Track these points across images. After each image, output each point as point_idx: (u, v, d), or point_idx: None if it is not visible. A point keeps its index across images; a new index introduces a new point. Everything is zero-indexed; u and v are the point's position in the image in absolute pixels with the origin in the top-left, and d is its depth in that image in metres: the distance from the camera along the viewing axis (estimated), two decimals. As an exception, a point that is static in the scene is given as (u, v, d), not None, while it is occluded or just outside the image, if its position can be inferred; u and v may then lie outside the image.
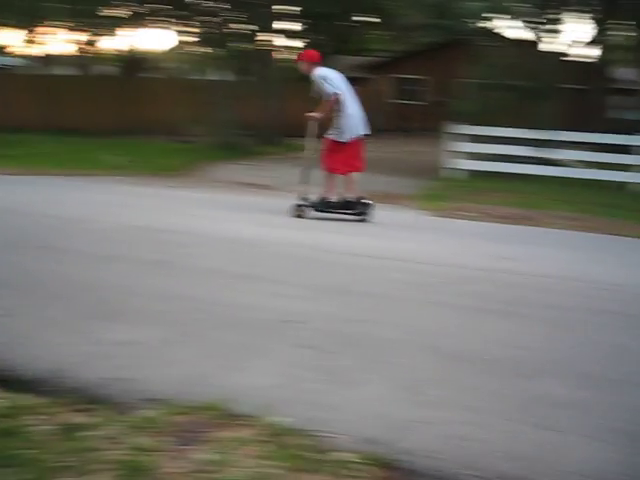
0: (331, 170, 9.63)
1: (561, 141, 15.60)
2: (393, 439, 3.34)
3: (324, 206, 9.63)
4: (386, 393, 3.86)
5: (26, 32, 29.46)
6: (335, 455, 3.19)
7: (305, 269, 6.62)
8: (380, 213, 9.98)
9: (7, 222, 8.53)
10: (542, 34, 18.76)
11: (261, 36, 21.90)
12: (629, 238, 10.09)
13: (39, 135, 20.21)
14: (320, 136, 9.55)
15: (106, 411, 3.57)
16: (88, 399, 3.69)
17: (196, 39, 25.19)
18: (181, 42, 29.21)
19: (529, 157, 15.49)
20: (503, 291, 6.30)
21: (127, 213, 9.30)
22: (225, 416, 3.52)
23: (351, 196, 9.68)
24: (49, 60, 30.41)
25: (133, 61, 31.27)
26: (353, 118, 9.46)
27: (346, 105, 9.37)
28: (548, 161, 15.53)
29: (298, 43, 27.55)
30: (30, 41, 29.38)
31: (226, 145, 17.65)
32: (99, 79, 26.35)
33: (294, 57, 26.22)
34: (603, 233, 10.27)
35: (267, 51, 21.82)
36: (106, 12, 26.33)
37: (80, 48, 27.92)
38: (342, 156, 9.47)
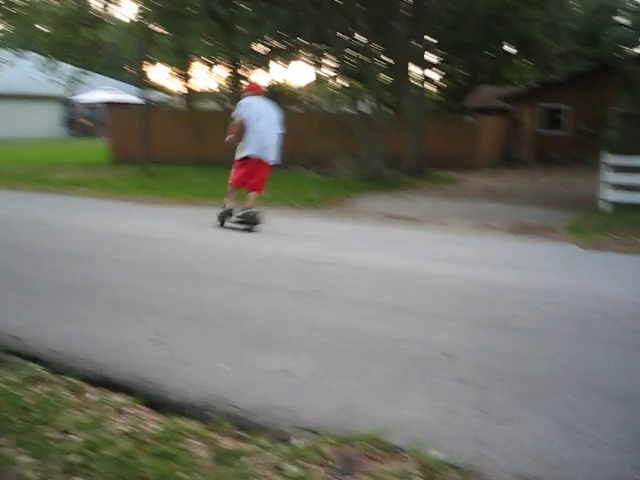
0: (232, 183, 10.77)
1: None
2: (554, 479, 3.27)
3: (225, 215, 10.77)
4: (542, 431, 3.75)
5: (175, 69, 30.82)
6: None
7: (457, 301, 6.55)
8: (531, 246, 9.86)
9: (154, 249, 8.97)
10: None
11: (402, 68, 22.04)
12: None
13: (186, 167, 21.03)
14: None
15: (262, 439, 3.66)
16: (244, 426, 3.79)
17: (337, 72, 25.62)
18: (322, 75, 29.79)
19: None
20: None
21: (275, 244, 9.50)
22: (380, 448, 3.53)
23: (243, 208, 10.56)
24: (196, 95, 31.60)
25: (273, 95, 32.10)
26: (260, 142, 10.40)
27: (253, 129, 10.35)
28: None
29: (438, 74, 27.62)
30: (179, 77, 30.71)
31: (370, 177, 17.75)
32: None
33: (435, 89, 26.22)
34: None
35: (409, 83, 21.90)
36: (251, 48, 27.25)
37: (227, 83, 28.89)
38: (241, 172, 10.59)
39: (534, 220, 12.41)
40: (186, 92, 31.10)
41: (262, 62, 28.99)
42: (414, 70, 22.39)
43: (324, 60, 27.92)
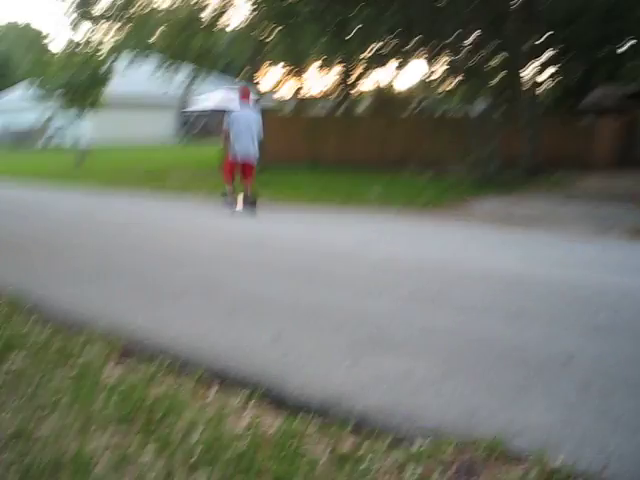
0: (224, 176, 13.80)
1: None
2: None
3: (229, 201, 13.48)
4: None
5: (290, 73, 31.18)
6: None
7: (577, 306, 6.35)
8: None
9: (272, 251, 9.10)
10: None
11: (516, 67, 21.62)
12: None
13: (299, 170, 21.21)
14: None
15: (382, 441, 3.65)
16: (364, 427, 3.79)
17: (450, 71, 25.34)
18: (436, 76, 29.53)
19: None
20: None
21: (389, 247, 9.47)
22: (502, 453, 3.48)
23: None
24: (308, 98, 31.90)
25: (388, 96, 32.02)
26: (242, 146, 13.23)
27: (237, 136, 13.18)
28: None
29: (553, 72, 26.91)
30: (292, 81, 31.07)
31: (485, 179, 17.47)
32: (356, 115, 27.24)
33: (551, 88, 25.57)
34: None
35: (523, 82, 21.48)
36: (363, 50, 27.28)
37: (339, 86, 29.06)
38: (230, 167, 13.61)
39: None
40: (299, 95, 31.41)
41: (374, 64, 28.96)
42: (529, 69, 21.94)
43: (437, 60, 27.68)
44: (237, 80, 47.12)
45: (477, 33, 20.31)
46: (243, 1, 24.30)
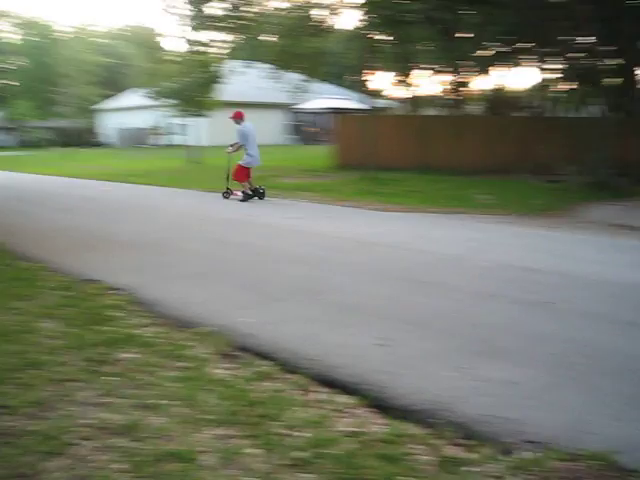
0: (240, 180, 15.85)
1: None
2: None
3: (247, 197, 15.83)
4: None
5: (398, 75, 31.10)
6: None
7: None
8: None
9: (380, 254, 9.07)
10: None
11: (631, 69, 20.93)
12: None
13: (408, 173, 21.11)
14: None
15: (485, 448, 3.61)
16: (467, 434, 3.77)
17: (562, 75, 24.74)
18: (547, 79, 28.89)
19: None
20: None
21: (499, 252, 9.31)
22: (610, 468, 3.37)
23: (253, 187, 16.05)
24: (418, 101, 31.73)
25: (499, 100, 31.55)
26: (252, 156, 15.74)
27: (249, 147, 15.67)
28: None
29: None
30: (402, 84, 30.97)
31: (598, 185, 16.94)
32: (465, 119, 26.92)
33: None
34: None
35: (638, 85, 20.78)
36: (472, 53, 26.95)
37: (449, 89, 28.82)
38: (244, 173, 15.82)
39: None
40: (409, 98, 31.30)
41: (484, 67, 28.58)
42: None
43: (548, 63, 27.07)
44: (348, 82, 47.37)
45: (590, 34, 19.73)
46: (354, 5, 24.27)
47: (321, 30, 25.32)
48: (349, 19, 52.84)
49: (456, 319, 5.94)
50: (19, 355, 4.93)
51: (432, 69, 30.48)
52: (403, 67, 29.64)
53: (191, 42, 28.00)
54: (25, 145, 53.83)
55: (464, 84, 27.23)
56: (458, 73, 26.82)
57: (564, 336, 5.43)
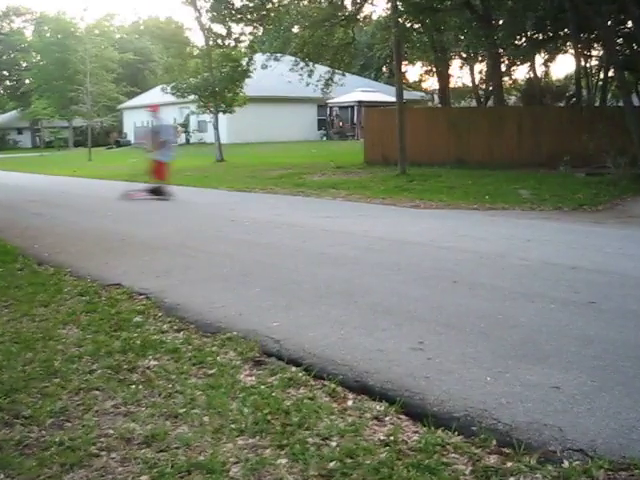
0: (162, 178, 16.26)
1: None
2: None
3: (158, 193, 16.00)
4: None
5: (431, 66, 31.01)
6: None
7: None
8: None
9: (413, 254, 9.01)
10: None
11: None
12: None
13: (442, 168, 20.97)
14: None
15: (529, 457, 3.54)
16: (509, 443, 3.69)
17: (605, 62, 24.50)
18: (589, 67, 28.62)
19: None
20: None
21: (541, 250, 9.21)
22: (663, 478, 3.31)
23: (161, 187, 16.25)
24: (452, 92, 31.60)
25: (537, 89, 31.30)
26: (173, 151, 16.94)
27: (171, 143, 17.00)
28: None
29: None
30: (435, 74, 30.87)
31: (641, 178, 16.73)
32: (502, 109, 26.70)
33: None
34: None
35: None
36: (511, 41, 26.75)
37: (485, 79, 28.70)
38: (163, 168, 16.39)
39: None
40: (443, 89, 31.17)
41: (523, 55, 28.37)
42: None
43: (591, 50, 26.82)
44: (379, 74, 47.27)
45: (635, 21, 19.44)
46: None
47: (352, 20, 25.27)
48: (381, 8, 52.81)
49: (494, 320, 5.87)
50: (42, 363, 4.95)
51: (468, 58, 30.36)
52: (438, 57, 29.54)
53: (217, 35, 28.10)
54: (48, 146, 54.45)
55: (501, 73, 27.04)
56: (497, 62, 26.61)
57: (610, 338, 5.34)
